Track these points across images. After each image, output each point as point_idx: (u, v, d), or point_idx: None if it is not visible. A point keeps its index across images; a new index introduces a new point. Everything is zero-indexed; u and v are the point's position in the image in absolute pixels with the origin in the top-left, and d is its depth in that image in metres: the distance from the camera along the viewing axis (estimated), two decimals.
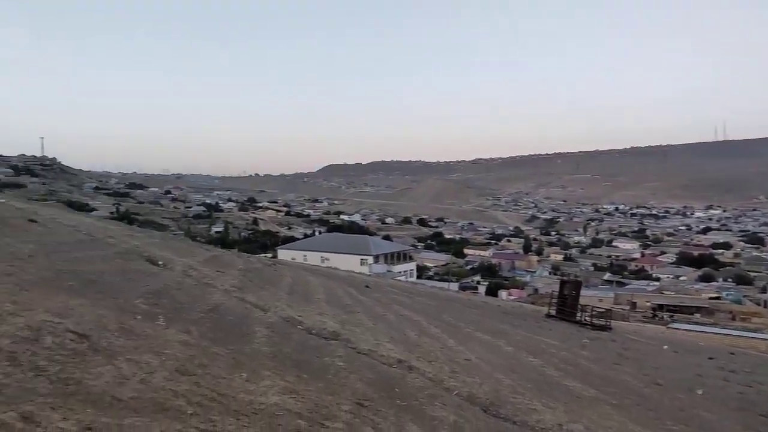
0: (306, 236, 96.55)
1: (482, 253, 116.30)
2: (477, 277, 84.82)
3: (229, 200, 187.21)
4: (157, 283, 9.38)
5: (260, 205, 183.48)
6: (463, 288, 61.29)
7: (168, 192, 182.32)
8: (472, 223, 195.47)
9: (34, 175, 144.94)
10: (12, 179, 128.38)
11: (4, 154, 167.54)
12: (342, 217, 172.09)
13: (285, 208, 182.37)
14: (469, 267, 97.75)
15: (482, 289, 68.35)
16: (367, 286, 22.35)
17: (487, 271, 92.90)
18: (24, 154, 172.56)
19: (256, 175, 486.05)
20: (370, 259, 59.74)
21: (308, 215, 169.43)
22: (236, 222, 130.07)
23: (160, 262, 11.79)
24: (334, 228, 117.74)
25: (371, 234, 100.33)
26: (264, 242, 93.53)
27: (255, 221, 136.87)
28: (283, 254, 60.39)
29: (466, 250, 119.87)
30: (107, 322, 5.77)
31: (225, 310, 8.94)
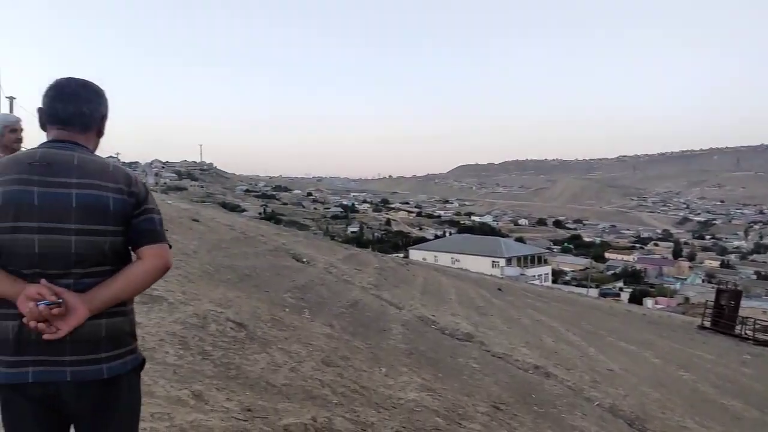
0: (436, 237, 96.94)
1: (625, 257, 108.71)
2: (619, 284, 79.46)
3: (364, 201, 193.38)
4: (303, 279, 10.03)
5: (392, 206, 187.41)
6: (603, 294, 57.79)
7: (309, 194, 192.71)
8: (614, 225, 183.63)
9: (194, 179, 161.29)
10: (176, 183, 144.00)
11: (170, 161, 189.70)
12: (473, 218, 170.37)
13: (416, 209, 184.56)
14: (610, 272, 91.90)
15: (625, 296, 63.90)
16: (499, 289, 21.96)
17: (631, 277, 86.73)
18: (186, 160, 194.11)
19: (389, 177, 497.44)
20: (502, 262, 58.55)
21: (439, 216, 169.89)
22: (370, 222, 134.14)
23: (304, 259, 12.57)
24: (464, 229, 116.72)
25: (503, 236, 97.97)
26: (396, 242, 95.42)
27: (388, 222, 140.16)
28: (414, 254, 61.20)
29: (607, 254, 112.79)
30: (261, 314, 6.31)
31: (363, 306, 9.32)
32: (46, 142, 1.60)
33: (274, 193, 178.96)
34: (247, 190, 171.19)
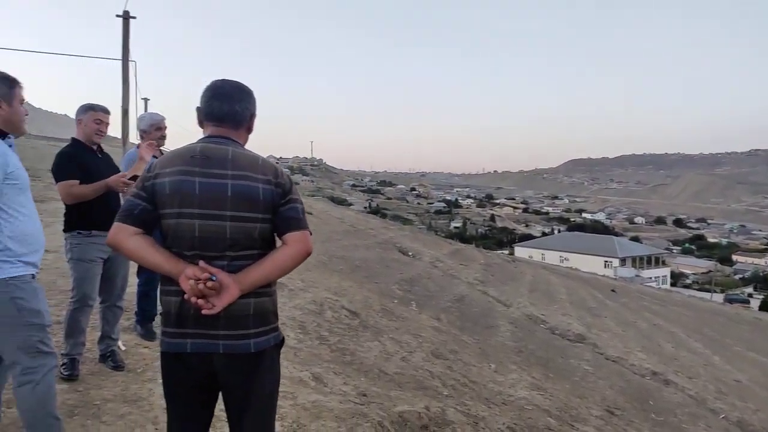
0: (544, 234, 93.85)
1: (756, 260, 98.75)
2: (749, 289, 72.49)
3: (468, 197, 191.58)
4: (410, 272, 10.19)
5: (497, 201, 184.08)
6: (729, 300, 52.98)
7: (413, 189, 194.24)
8: (743, 225, 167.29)
9: (305, 174, 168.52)
10: None
11: (284, 156, 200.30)
12: (584, 215, 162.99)
13: (522, 205, 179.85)
14: (738, 276, 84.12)
15: (755, 302, 58.15)
16: (613, 290, 20.88)
17: (763, 282, 78.79)
18: (298, 156, 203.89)
19: (495, 171, 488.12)
20: (616, 262, 55.49)
21: (547, 213, 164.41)
22: (474, 218, 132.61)
23: (410, 253, 12.75)
24: (574, 227, 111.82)
25: (617, 234, 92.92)
26: (500, 239, 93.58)
27: (492, 218, 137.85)
28: (520, 251, 59.60)
29: (734, 257, 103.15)
30: (372, 303, 6.51)
31: (470, 301, 9.29)
32: (203, 138, 1.78)
33: (379, 187, 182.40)
34: (353, 185, 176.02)
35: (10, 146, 2.14)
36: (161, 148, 4.00)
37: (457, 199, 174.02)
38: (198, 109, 1.82)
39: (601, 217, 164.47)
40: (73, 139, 3.31)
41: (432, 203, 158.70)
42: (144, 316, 4.08)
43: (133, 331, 4.11)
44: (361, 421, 3.17)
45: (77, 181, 3.14)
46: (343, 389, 3.71)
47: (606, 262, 55.17)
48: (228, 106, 1.77)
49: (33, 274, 2.15)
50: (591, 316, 11.74)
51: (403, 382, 4.35)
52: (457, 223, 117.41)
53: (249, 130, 1.87)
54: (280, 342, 1.82)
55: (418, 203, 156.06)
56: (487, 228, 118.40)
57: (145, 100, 29.67)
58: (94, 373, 3.34)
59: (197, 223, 1.65)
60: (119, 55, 15.14)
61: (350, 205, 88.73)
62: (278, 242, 1.78)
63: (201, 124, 1.83)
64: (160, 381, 3.22)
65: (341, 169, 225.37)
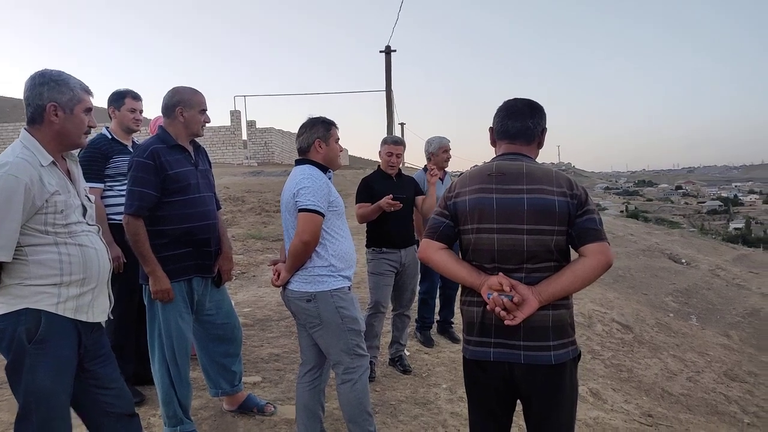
0: None
1: None
2: None
3: (750, 192, 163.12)
4: (684, 282, 9.16)
5: None
6: None
7: (678, 187, 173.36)
8: None
9: None
10: None
11: None
12: None
13: None
14: None
15: None
16: None
17: None
18: (545, 162, 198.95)
19: None
20: None
21: None
22: (760, 217, 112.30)
23: (683, 260, 11.44)
24: None
25: None
26: None
27: None
28: None
29: None
30: (645, 317, 6.04)
31: (766, 315, 7.95)
32: (498, 156, 1.89)
33: (636, 188, 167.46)
34: (606, 188, 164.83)
35: (329, 179, 2.58)
36: (445, 169, 4.34)
37: (736, 196, 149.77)
38: (491, 129, 1.94)
39: None
40: (378, 168, 3.82)
41: (703, 202, 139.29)
42: (423, 323, 4.46)
43: (413, 338, 4.50)
44: None
45: (368, 204, 3.60)
46: (624, 407, 3.53)
47: None
48: (521, 122, 1.85)
49: (349, 287, 2.55)
50: None
51: (692, 404, 3.95)
52: (737, 224, 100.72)
53: (540, 145, 1.92)
54: (578, 356, 1.83)
55: (686, 203, 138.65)
56: None
57: (402, 125, 32.11)
58: (387, 375, 3.74)
59: (496, 237, 1.75)
60: (371, 87, 16.98)
61: (604, 209, 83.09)
62: (573, 254, 1.80)
63: (494, 143, 1.94)
64: (444, 386, 3.52)
65: (592, 172, 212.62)
